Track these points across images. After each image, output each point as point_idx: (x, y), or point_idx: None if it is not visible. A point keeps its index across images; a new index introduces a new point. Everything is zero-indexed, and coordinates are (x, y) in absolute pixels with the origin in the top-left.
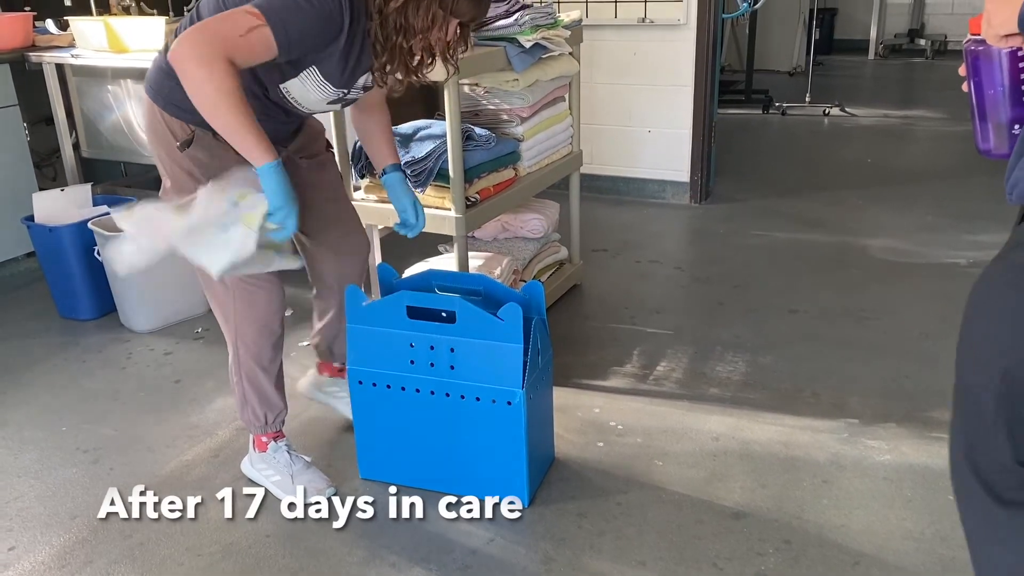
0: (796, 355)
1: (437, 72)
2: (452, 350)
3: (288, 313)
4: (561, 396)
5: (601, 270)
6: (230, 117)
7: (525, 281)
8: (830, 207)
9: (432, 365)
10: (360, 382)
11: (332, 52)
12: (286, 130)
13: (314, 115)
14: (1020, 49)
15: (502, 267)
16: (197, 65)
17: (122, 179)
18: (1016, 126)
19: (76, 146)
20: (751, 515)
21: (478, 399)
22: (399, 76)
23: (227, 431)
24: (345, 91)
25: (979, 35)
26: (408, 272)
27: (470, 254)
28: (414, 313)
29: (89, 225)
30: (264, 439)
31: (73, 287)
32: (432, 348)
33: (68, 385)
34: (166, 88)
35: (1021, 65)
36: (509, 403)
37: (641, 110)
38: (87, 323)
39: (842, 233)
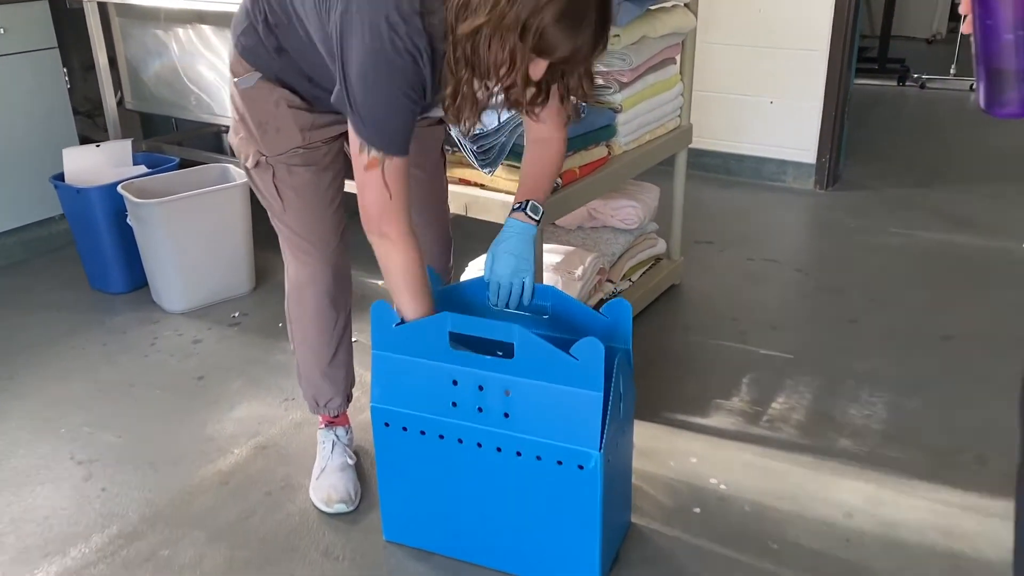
0: (952, 398)
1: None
2: (507, 393)
3: (354, 340)
4: (648, 436)
5: (705, 268)
6: (393, 291)
7: (612, 281)
8: (984, 202)
9: (480, 410)
10: (387, 424)
11: None
12: None
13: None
14: None
15: (585, 266)
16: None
17: (171, 135)
18: None
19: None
20: None
21: (539, 458)
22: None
23: (244, 450)
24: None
25: None
26: (469, 269)
27: (548, 247)
28: (460, 340)
29: (118, 189)
30: (320, 420)
31: (103, 256)
32: (481, 388)
33: (81, 373)
34: (236, 26)
35: None
36: (581, 467)
37: (763, 77)
38: (117, 297)
39: (1002, 236)
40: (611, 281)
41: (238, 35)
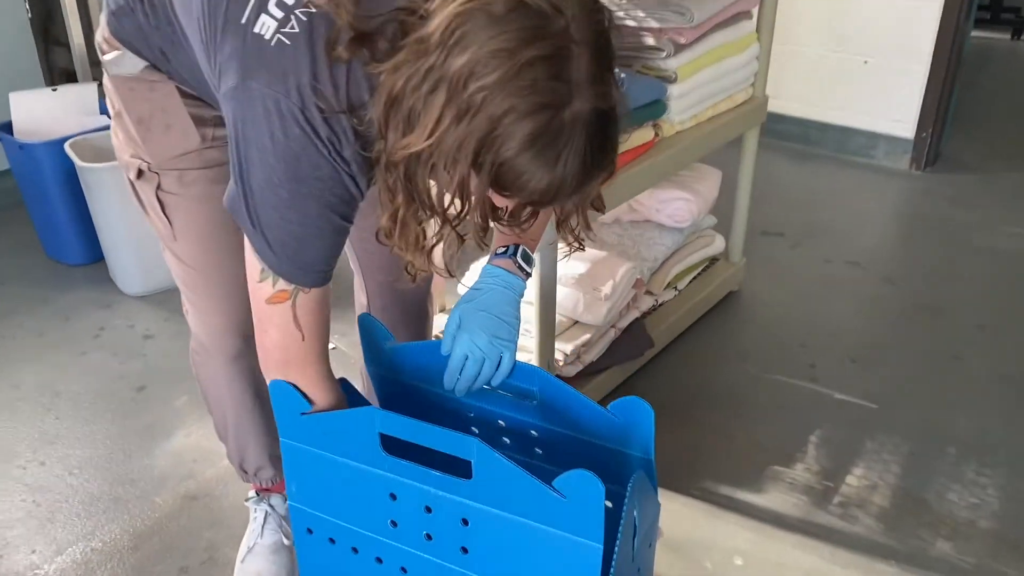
0: None
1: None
2: (465, 522)
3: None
4: (680, 517)
5: (772, 271)
6: None
7: (652, 293)
8: None
9: (429, 538)
10: (309, 530)
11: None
12: None
13: None
14: None
15: (616, 280)
16: None
17: None
18: None
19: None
20: None
21: None
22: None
23: (168, 499)
24: None
25: None
26: (465, 279)
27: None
28: (395, 445)
29: (65, 146)
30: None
31: (56, 223)
32: (429, 511)
33: (4, 373)
34: None
35: None
36: None
37: (859, 31)
38: (75, 270)
39: None
40: (651, 293)
41: (112, 10)
